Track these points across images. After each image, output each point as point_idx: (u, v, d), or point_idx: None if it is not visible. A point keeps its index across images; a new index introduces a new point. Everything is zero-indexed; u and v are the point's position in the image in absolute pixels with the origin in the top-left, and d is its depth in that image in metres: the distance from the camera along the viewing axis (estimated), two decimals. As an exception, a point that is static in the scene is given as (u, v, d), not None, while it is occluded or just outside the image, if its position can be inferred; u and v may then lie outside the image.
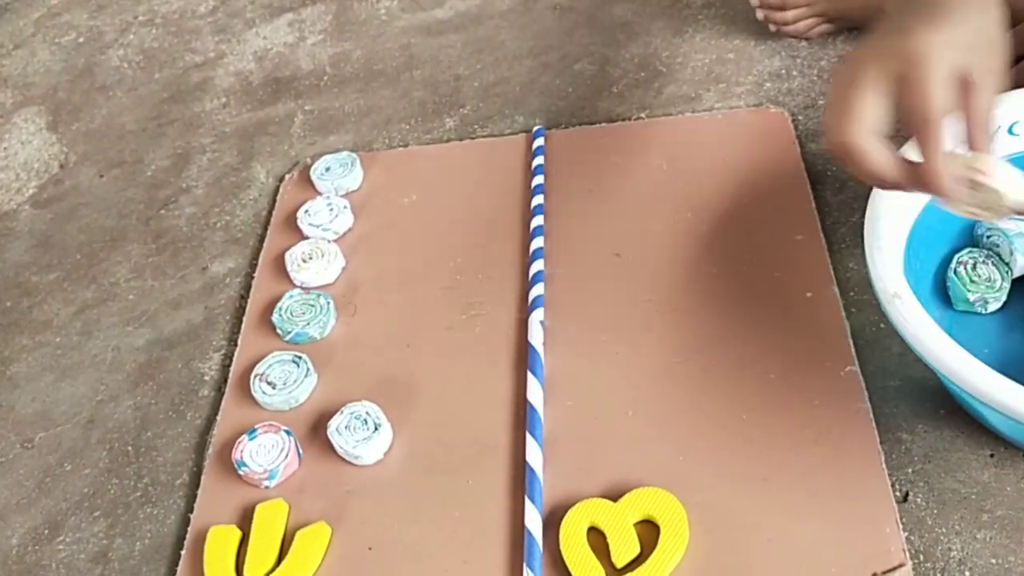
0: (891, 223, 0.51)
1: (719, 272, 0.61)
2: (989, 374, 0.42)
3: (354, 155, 0.75)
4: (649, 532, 0.49)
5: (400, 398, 0.58)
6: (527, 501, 0.51)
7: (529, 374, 0.57)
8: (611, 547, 0.48)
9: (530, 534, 0.49)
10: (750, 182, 0.66)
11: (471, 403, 0.58)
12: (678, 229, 0.64)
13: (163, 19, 1.02)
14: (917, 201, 0.54)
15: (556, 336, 0.60)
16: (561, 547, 0.48)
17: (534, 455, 0.53)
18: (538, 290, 0.62)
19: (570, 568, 0.47)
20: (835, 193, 0.65)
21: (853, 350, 0.55)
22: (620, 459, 0.53)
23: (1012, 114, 0.54)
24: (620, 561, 0.47)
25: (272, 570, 0.51)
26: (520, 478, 0.53)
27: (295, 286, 0.67)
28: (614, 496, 0.50)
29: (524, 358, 0.59)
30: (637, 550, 0.48)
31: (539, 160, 0.72)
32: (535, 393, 0.56)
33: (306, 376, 0.60)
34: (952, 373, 0.43)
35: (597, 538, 0.49)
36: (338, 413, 0.56)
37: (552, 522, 0.50)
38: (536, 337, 0.59)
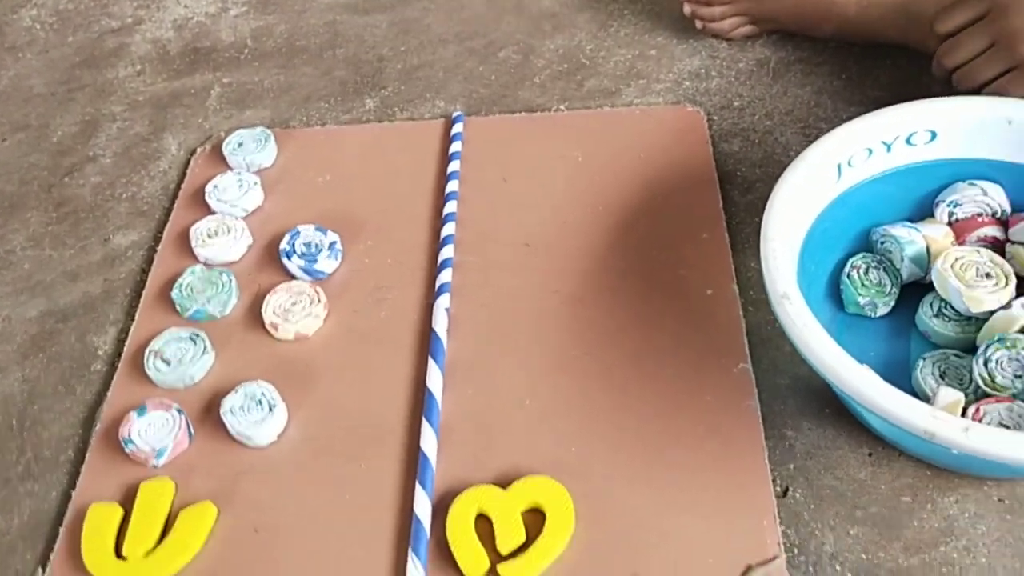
0: (788, 225, 0.52)
1: (626, 266, 0.62)
2: (868, 378, 0.43)
3: (268, 131, 0.73)
4: (537, 520, 0.49)
5: (299, 379, 0.58)
6: (418, 486, 0.51)
7: (430, 360, 0.57)
8: (497, 534, 0.48)
9: (418, 520, 0.49)
10: (662, 179, 0.67)
11: (370, 387, 0.57)
12: (589, 222, 0.65)
13: (81, -20, 0.98)
14: (815, 205, 0.55)
15: (460, 324, 0.60)
16: (447, 533, 0.48)
17: (428, 441, 0.53)
18: (446, 276, 0.62)
19: (455, 554, 0.48)
20: (743, 194, 0.66)
21: (747, 348, 0.56)
22: (514, 448, 0.53)
23: (911, 124, 0.56)
24: (505, 548, 0.48)
25: (152, 549, 0.50)
26: (413, 463, 0.52)
27: (199, 262, 0.65)
28: (505, 484, 0.50)
29: (427, 344, 0.58)
30: (523, 538, 0.48)
31: (456, 146, 0.71)
32: (434, 379, 0.56)
33: (203, 354, 0.58)
34: (833, 375, 0.44)
35: (485, 525, 0.49)
36: (232, 392, 0.55)
37: (442, 508, 0.50)
38: (440, 324, 0.59)
